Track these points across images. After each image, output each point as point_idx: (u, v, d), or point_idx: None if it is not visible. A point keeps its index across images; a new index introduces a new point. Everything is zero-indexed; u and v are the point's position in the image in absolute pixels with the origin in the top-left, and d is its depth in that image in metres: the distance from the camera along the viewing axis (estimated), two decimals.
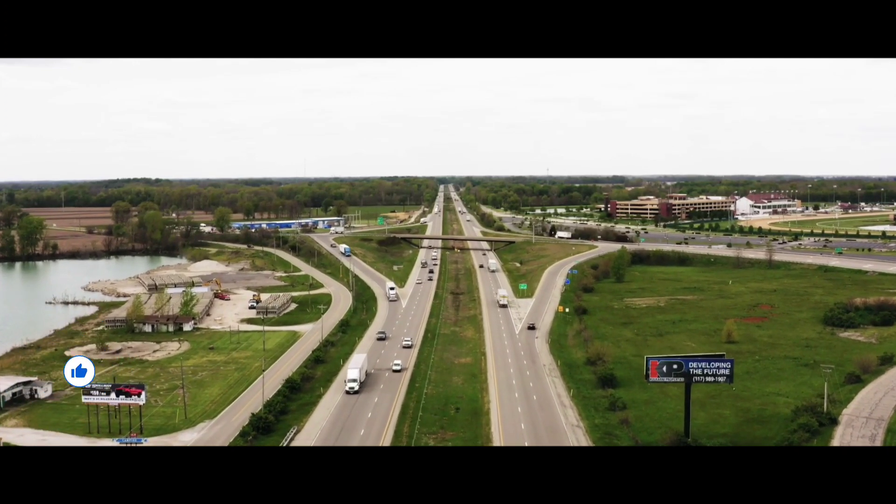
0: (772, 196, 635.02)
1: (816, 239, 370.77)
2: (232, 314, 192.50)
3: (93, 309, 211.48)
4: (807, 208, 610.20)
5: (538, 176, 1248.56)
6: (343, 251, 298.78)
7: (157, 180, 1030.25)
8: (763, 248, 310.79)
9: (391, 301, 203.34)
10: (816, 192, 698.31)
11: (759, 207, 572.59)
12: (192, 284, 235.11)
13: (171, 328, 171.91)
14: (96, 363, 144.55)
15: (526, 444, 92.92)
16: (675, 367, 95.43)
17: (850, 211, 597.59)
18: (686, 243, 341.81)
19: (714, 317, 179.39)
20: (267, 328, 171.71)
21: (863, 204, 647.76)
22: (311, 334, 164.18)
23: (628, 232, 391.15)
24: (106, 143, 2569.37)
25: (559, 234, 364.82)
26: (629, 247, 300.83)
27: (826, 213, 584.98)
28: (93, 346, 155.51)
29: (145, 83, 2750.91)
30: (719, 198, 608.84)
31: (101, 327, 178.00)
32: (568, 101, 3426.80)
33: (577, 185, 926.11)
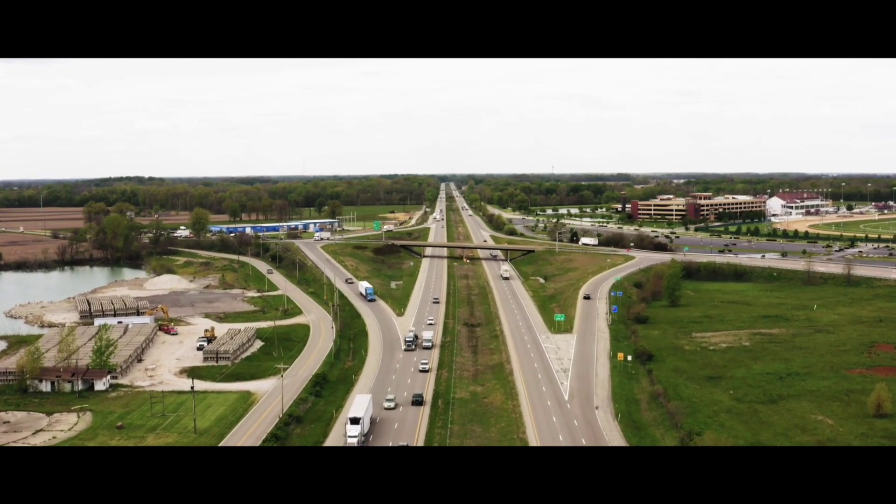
0: (805, 195, 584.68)
1: (876, 245, 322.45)
2: (172, 359, 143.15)
3: (2, 346, 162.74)
4: (838, 209, 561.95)
5: (541, 174, 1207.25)
6: (364, 292, 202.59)
7: (150, 178, 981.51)
8: (823, 258, 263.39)
9: (349, 438, 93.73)
10: (838, 190, 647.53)
11: (791, 208, 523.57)
12: (138, 312, 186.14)
13: (78, 386, 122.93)
14: None
15: None
16: None
17: (885, 211, 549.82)
18: (730, 251, 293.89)
19: (829, 366, 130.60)
20: (209, 386, 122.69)
21: (892, 203, 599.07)
22: (272, 397, 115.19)
23: (657, 236, 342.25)
24: (106, 141, 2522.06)
25: (584, 240, 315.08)
26: (674, 258, 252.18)
27: (861, 213, 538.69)
28: None
29: (145, 81, 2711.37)
30: (747, 197, 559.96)
31: None
32: (570, 98, 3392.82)
33: (584, 183, 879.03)
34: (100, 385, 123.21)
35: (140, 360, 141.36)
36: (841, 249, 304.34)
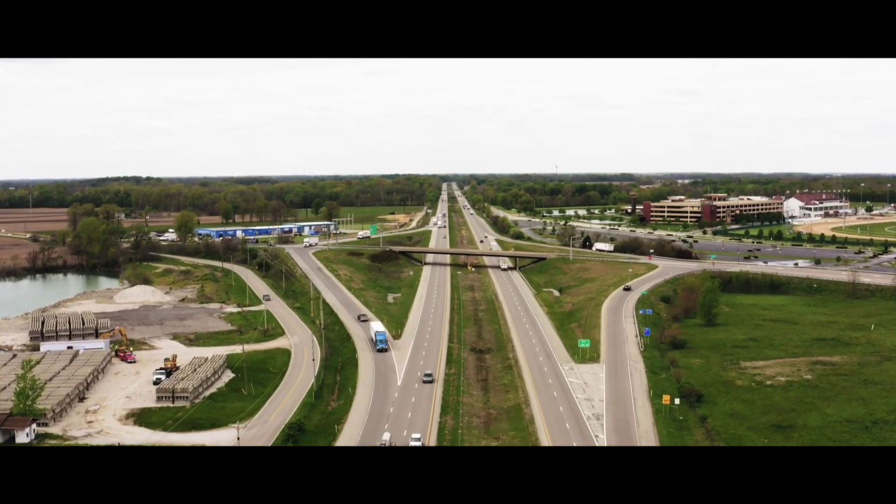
0: (824, 196, 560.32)
1: None
2: (121, 397, 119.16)
3: None
4: (856, 210, 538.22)
5: (544, 174, 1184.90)
6: (374, 338, 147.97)
7: (147, 179, 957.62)
8: (859, 265, 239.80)
9: None
10: (855, 191, 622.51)
11: (809, 209, 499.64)
12: (97, 332, 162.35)
13: None
14: None
15: None
16: None
17: None
18: (755, 257, 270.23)
19: None
20: (159, 438, 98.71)
21: None
22: None
23: (673, 240, 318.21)
24: (107, 141, 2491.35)
25: (598, 246, 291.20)
26: (700, 267, 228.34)
27: (881, 214, 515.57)
28: None
29: (146, 81, 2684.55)
30: (763, 198, 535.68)
31: None
32: (572, 98, 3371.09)
33: (589, 182, 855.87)
34: (22, 437, 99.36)
35: (82, 399, 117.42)
36: (875, 255, 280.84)
